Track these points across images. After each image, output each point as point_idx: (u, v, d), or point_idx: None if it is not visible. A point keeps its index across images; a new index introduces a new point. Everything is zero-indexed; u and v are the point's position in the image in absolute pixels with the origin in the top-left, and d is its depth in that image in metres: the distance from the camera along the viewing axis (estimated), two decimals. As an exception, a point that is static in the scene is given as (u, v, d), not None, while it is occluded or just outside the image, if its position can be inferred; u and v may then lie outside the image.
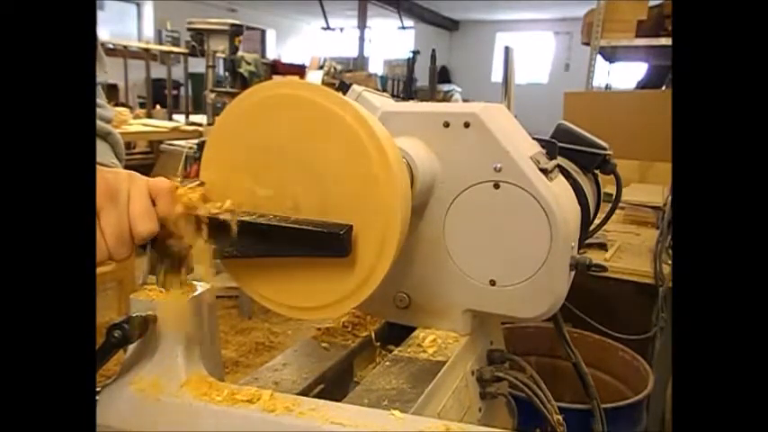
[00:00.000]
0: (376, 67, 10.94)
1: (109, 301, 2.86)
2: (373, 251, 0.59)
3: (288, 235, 0.57)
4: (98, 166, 0.53)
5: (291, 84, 0.61)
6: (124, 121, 4.37)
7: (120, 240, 0.55)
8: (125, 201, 0.56)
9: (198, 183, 0.61)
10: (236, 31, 4.02)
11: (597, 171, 1.02)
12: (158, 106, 5.90)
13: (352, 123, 0.58)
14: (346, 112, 0.58)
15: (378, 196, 0.58)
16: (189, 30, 4.23)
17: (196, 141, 3.60)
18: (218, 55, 4.06)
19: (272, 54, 11.38)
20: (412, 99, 7.48)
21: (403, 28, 11.20)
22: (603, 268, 0.82)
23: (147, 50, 5.67)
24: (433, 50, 6.93)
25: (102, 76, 1.00)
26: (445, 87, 11.21)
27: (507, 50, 2.29)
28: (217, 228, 0.59)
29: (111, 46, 5.47)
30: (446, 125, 0.76)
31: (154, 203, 0.57)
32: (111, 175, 0.56)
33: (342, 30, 11.81)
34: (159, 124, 4.81)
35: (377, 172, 0.58)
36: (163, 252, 0.59)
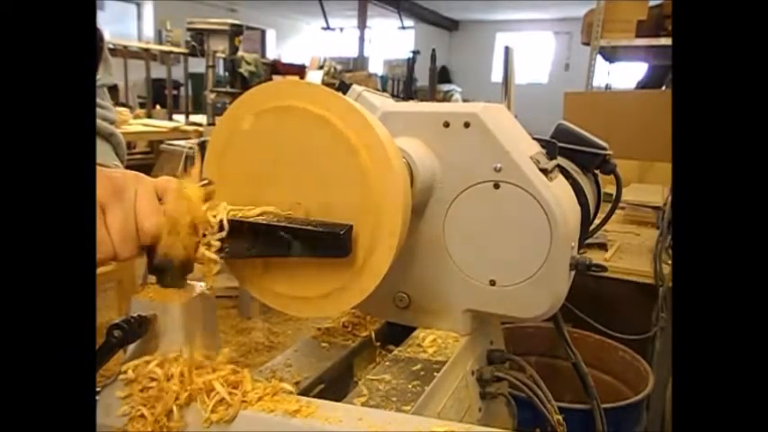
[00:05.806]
0: (376, 67, 10.93)
1: (109, 301, 2.85)
2: (373, 251, 0.59)
3: (288, 235, 0.57)
4: (105, 166, 0.53)
5: (289, 94, 0.61)
6: (124, 121, 4.37)
7: (125, 238, 0.55)
8: (132, 198, 0.56)
9: (205, 182, 0.61)
10: (236, 31, 4.01)
11: (597, 171, 1.02)
12: (158, 106, 5.90)
13: (346, 131, 0.58)
14: (344, 120, 0.58)
15: (378, 196, 0.58)
16: (189, 30, 4.23)
17: (196, 141, 3.59)
18: (218, 55, 4.05)
19: (272, 54, 11.37)
20: (412, 99, 7.48)
21: (403, 28, 11.21)
22: (603, 268, 0.82)
23: (147, 50, 5.67)
24: (433, 50, 6.94)
25: (107, 78, 1.00)
26: (445, 87, 11.22)
27: (507, 50, 2.29)
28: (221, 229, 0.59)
29: (111, 46, 5.47)
30: (446, 125, 0.76)
31: (160, 202, 0.58)
32: (119, 174, 0.56)
33: (342, 30, 11.81)
34: (159, 124, 4.81)
35: (376, 172, 0.58)
36: (163, 255, 0.59)
